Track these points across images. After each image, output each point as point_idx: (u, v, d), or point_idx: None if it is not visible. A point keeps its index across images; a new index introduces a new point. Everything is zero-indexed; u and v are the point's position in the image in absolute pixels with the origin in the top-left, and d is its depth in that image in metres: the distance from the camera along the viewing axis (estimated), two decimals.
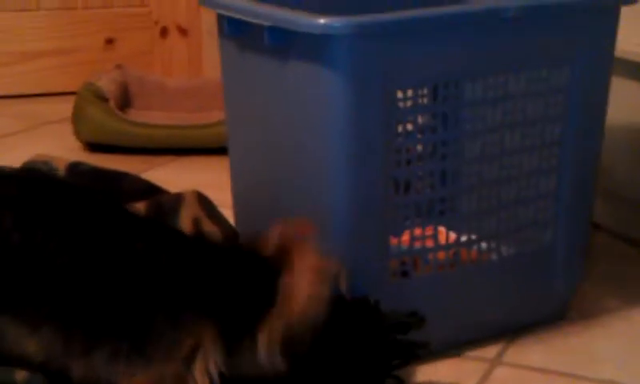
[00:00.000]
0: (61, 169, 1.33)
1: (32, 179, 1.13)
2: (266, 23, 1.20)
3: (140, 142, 2.08)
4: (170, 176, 1.63)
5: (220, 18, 1.31)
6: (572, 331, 1.36)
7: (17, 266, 1.02)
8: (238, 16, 1.26)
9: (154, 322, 1.02)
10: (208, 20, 2.45)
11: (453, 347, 1.29)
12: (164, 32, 2.55)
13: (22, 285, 1.03)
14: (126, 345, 1.02)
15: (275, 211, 1.24)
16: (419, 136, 1.24)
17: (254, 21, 1.22)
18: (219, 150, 1.98)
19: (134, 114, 2.18)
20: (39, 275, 1.02)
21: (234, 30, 1.29)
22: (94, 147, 2.09)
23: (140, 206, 1.31)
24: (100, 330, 1.02)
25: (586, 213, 1.38)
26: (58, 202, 1.06)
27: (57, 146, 2.04)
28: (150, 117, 2.18)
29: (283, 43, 1.20)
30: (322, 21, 1.15)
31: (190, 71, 2.53)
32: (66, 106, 2.21)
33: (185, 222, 1.28)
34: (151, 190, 1.38)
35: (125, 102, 2.21)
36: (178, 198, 1.31)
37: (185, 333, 1.02)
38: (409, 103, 1.22)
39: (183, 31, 2.54)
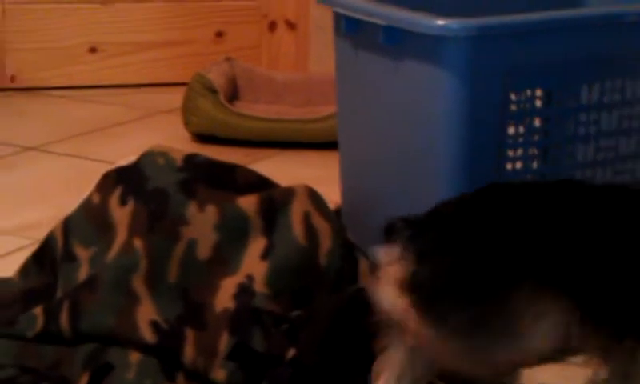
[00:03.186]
0: (177, 160, 1.36)
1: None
2: (383, 22, 1.21)
3: (247, 135, 2.11)
4: (274, 169, 1.65)
5: (337, 16, 1.33)
6: None
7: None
8: (355, 15, 1.27)
9: None
10: (317, 15, 2.46)
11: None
12: (272, 26, 2.58)
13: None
14: None
15: (384, 207, 1.25)
16: (532, 138, 1.24)
17: (371, 20, 1.23)
18: (324, 145, 2.00)
19: (242, 107, 2.21)
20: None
21: (351, 28, 1.31)
22: (202, 138, 2.13)
23: (251, 199, 1.33)
24: None
25: None
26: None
27: (166, 135, 2.08)
28: (257, 110, 2.21)
29: (399, 42, 1.21)
30: (439, 22, 1.16)
31: (297, 65, 2.55)
32: (175, 97, 2.25)
33: (295, 217, 1.30)
34: (263, 184, 1.40)
35: (233, 94, 2.25)
36: (290, 192, 1.33)
37: None
38: (523, 105, 1.22)
39: (291, 25, 2.56)
